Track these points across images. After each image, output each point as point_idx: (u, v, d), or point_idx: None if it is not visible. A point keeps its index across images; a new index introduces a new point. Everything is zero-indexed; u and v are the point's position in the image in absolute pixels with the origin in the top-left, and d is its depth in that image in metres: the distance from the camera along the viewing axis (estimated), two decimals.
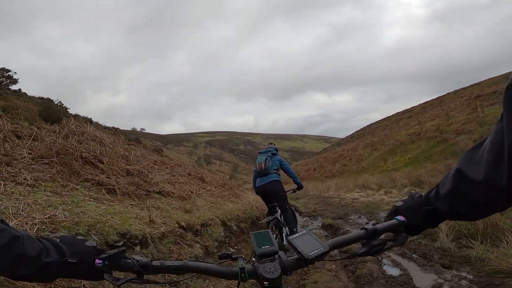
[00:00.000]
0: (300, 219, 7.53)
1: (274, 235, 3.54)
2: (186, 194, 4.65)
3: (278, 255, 0.62)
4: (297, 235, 0.64)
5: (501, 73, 46.74)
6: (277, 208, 3.95)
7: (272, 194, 3.99)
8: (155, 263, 0.61)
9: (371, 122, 79.29)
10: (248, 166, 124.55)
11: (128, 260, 0.59)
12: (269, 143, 4.52)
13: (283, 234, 3.81)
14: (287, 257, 0.61)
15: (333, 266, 3.27)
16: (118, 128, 25.33)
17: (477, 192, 0.52)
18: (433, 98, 58.92)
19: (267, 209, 4.38)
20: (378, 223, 0.67)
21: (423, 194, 0.67)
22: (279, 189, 3.97)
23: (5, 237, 0.47)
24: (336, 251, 3.29)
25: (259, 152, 4.32)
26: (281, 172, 4.25)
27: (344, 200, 10.22)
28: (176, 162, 8.51)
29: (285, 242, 3.71)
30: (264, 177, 3.95)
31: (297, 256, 0.60)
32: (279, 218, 3.80)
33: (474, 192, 0.52)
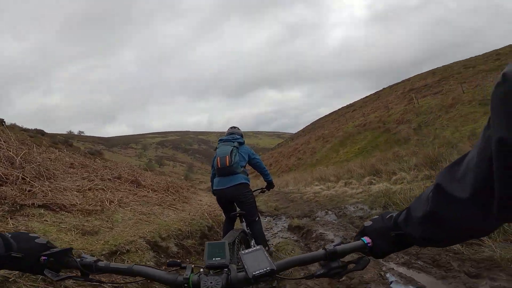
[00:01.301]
0: (262, 220, 6.47)
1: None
2: (98, 206, 3.18)
3: (228, 269, 0.60)
4: (250, 250, 0.61)
5: (427, 70, 53.08)
6: (243, 217, 2.80)
7: (237, 202, 2.84)
8: (100, 263, 0.62)
9: (320, 117, 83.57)
10: (204, 166, 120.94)
11: (72, 259, 0.61)
12: (232, 127, 3.21)
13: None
14: (237, 272, 0.59)
15: None
16: (42, 130, 21.25)
17: (461, 213, 0.43)
18: (372, 93, 64.25)
19: (224, 219, 3.20)
20: (342, 242, 0.62)
21: (394, 216, 0.60)
22: (247, 196, 2.79)
23: None
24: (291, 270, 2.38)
25: (220, 140, 3.02)
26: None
27: (306, 195, 9.52)
28: (104, 164, 6.74)
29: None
30: (228, 178, 2.75)
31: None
32: (246, 229, 2.69)
33: (458, 213, 0.44)
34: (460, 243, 0.45)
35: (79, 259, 0.61)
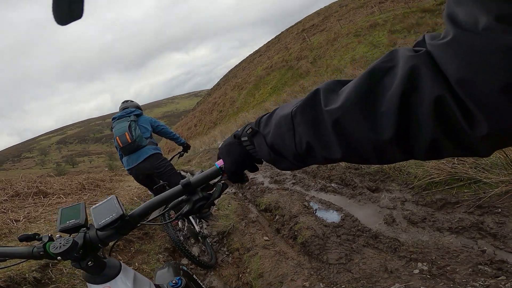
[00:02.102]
0: None
1: (185, 223, 2.52)
2: (3, 229, 2.68)
3: (87, 227, 0.57)
4: (100, 203, 0.57)
5: (313, 11, 56.49)
6: (168, 187, 2.61)
7: (155, 175, 2.61)
8: None
9: (231, 68, 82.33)
10: None
11: None
12: (125, 101, 2.82)
13: (191, 218, 2.61)
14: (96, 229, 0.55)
15: (265, 238, 2.36)
16: None
17: (319, 120, 0.39)
18: (273, 37, 65.49)
19: (152, 195, 3.04)
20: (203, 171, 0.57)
21: (254, 122, 0.51)
22: (163, 166, 2.58)
23: None
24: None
25: (113, 118, 2.63)
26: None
27: None
28: None
29: (197, 228, 2.55)
30: (135, 154, 2.47)
31: None
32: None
33: (315, 120, 0.39)
34: (300, 165, 0.39)
35: None
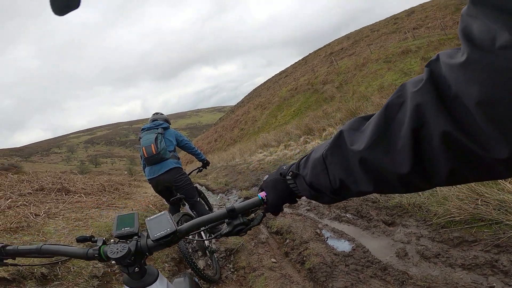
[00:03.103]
0: (214, 198, 6.49)
1: (196, 236, 2.53)
2: (22, 222, 2.83)
3: (139, 236, 0.61)
4: (155, 216, 0.63)
5: (343, 35, 57.54)
6: (184, 200, 2.77)
7: (173, 188, 2.76)
8: (9, 247, 0.65)
9: (256, 86, 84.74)
10: None
11: None
12: (155, 113, 3.07)
13: (202, 232, 2.70)
14: (147, 238, 0.61)
15: (273, 260, 2.37)
16: None
17: (346, 163, 0.43)
18: (300, 59, 67.15)
19: (169, 206, 3.20)
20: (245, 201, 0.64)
21: (295, 164, 0.59)
22: (182, 180, 2.73)
23: None
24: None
25: (143, 129, 2.83)
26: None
27: (251, 164, 9.76)
28: (20, 178, 5.75)
29: (207, 242, 2.63)
30: (158, 166, 2.64)
31: None
32: (191, 212, 2.71)
33: (344, 162, 0.44)
34: (338, 199, 0.51)
35: None
